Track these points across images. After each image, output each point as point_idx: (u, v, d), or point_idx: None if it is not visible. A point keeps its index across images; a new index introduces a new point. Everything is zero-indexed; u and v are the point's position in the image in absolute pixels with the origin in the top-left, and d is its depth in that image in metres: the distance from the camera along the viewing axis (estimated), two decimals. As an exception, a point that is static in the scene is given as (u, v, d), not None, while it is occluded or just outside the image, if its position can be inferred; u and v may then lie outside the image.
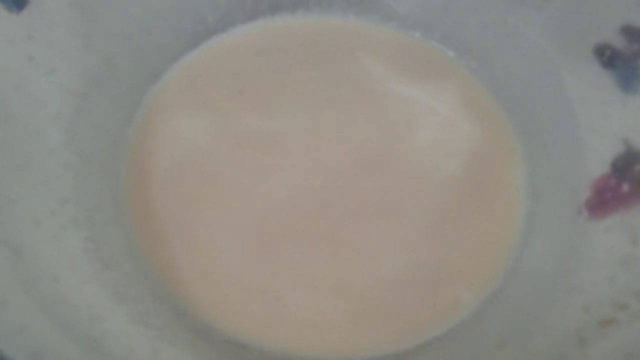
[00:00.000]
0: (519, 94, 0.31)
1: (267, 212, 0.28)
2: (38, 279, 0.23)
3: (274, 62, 0.33)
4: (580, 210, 0.27)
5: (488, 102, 0.32)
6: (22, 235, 0.24)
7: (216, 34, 0.33)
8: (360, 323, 0.27)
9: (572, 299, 0.24)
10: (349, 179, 0.29)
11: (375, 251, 0.28)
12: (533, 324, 0.24)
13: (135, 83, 0.31)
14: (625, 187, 0.26)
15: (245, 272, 0.27)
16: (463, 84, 0.32)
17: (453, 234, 0.28)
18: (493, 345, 0.24)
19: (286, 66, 0.33)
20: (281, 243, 0.28)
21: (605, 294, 0.23)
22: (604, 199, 0.26)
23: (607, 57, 0.28)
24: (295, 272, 0.27)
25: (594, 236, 0.26)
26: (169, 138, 0.30)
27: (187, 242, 0.28)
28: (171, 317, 0.26)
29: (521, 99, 0.31)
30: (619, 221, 0.25)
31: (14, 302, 0.22)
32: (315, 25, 0.34)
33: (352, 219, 0.28)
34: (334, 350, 0.26)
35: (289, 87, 0.32)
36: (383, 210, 0.29)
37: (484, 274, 0.27)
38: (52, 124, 0.27)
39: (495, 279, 0.27)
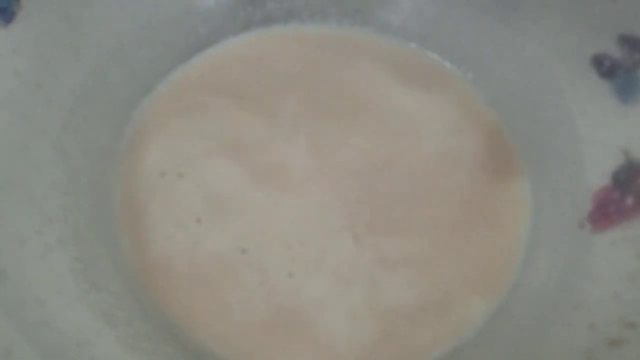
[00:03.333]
0: (518, 105, 0.31)
1: (265, 228, 0.28)
2: (23, 303, 0.22)
3: (268, 74, 0.32)
4: (582, 223, 0.26)
5: (487, 114, 0.31)
6: (6, 256, 0.23)
7: (208, 46, 0.33)
8: (365, 344, 0.26)
9: (578, 317, 0.23)
10: (350, 194, 0.29)
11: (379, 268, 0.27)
12: (539, 343, 0.23)
13: (125, 97, 0.30)
14: (629, 200, 0.25)
15: (241, 291, 0.26)
16: (461, 96, 0.32)
17: (455, 250, 0.27)
18: (497, 365, 0.23)
19: (280, 79, 0.32)
20: (279, 257, 0.27)
21: (612, 312, 0.22)
22: (607, 212, 0.26)
23: (607, 67, 0.28)
24: (293, 291, 0.26)
25: (598, 250, 0.25)
26: (161, 153, 0.30)
27: (181, 261, 0.27)
28: (163, 339, 0.25)
29: (520, 110, 0.31)
30: (623, 235, 0.25)
31: (-1, 327, 0.21)
32: (309, 37, 0.33)
33: (354, 234, 0.28)
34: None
35: (283, 100, 0.31)
36: (384, 226, 0.28)
37: (487, 290, 0.27)
38: (39, 140, 0.26)
39: (498, 295, 0.26)
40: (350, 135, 0.30)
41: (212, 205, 0.28)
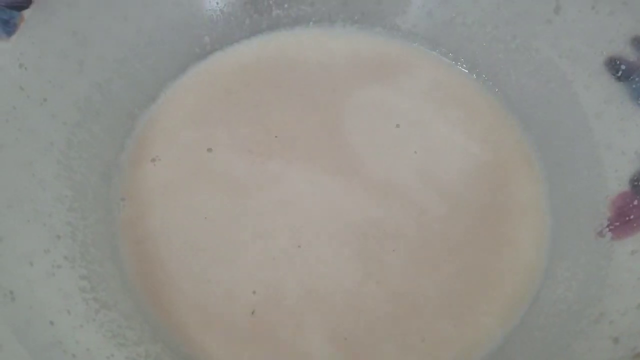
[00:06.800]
0: (533, 110, 0.30)
1: (270, 244, 0.27)
2: (32, 323, 0.22)
3: (275, 82, 0.32)
4: (602, 231, 0.26)
5: (502, 120, 0.31)
6: (14, 276, 0.22)
7: (213, 54, 0.32)
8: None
9: (601, 329, 0.22)
10: (361, 207, 0.28)
11: (394, 280, 0.26)
12: (559, 357, 0.23)
13: (129, 109, 0.30)
14: (650, 207, 0.25)
15: (249, 311, 0.26)
16: (474, 101, 0.31)
17: (471, 263, 0.27)
18: (518, 379, 0.23)
19: (287, 87, 0.31)
20: (288, 280, 0.26)
21: (636, 323, 0.22)
22: (627, 220, 0.25)
23: (622, 70, 0.27)
24: (306, 316, 0.26)
25: (620, 260, 0.24)
26: (165, 166, 0.29)
27: (188, 277, 0.26)
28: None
29: (535, 115, 0.30)
30: (646, 243, 0.24)
31: (7, 349, 0.20)
32: (314, 43, 0.33)
33: (367, 246, 0.27)
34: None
35: (290, 109, 0.31)
36: (399, 238, 0.27)
37: (506, 303, 0.26)
38: (44, 156, 0.26)
39: (518, 310, 0.26)
40: (355, 135, 0.30)
41: (218, 218, 0.28)
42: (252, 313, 0.26)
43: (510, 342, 0.25)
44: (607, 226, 0.26)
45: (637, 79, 0.27)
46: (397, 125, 0.30)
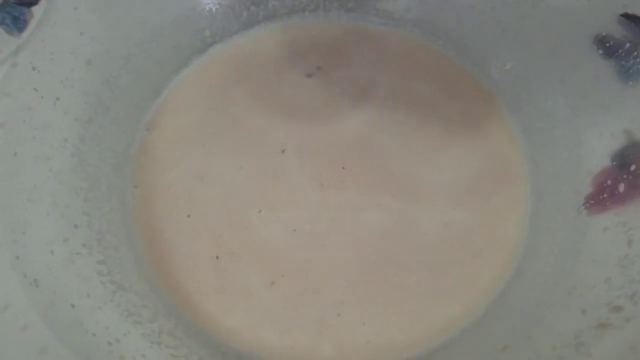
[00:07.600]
0: (519, 90, 0.31)
1: (275, 234, 0.29)
2: (55, 307, 0.24)
3: (273, 71, 0.33)
4: (580, 208, 0.27)
5: (489, 99, 0.32)
6: (39, 265, 0.24)
7: (213, 47, 0.34)
8: (362, 322, 0.27)
9: (572, 302, 0.24)
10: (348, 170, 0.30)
11: (382, 251, 0.28)
12: (535, 327, 0.24)
13: (137, 102, 0.32)
14: (623, 185, 0.26)
15: (256, 288, 0.28)
16: (463, 82, 0.32)
17: (459, 234, 0.28)
18: (497, 348, 0.25)
19: (284, 74, 0.33)
20: (288, 262, 0.28)
21: (602, 297, 0.23)
22: (602, 197, 0.26)
23: (608, 47, 0.28)
24: (304, 297, 0.28)
25: (593, 235, 0.26)
26: (173, 155, 0.31)
27: (197, 260, 0.28)
28: (185, 334, 0.26)
29: (522, 95, 0.31)
30: (615, 221, 0.25)
31: (34, 330, 0.23)
32: (311, 33, 0.34)
33: (355, 215, 0.29)
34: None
35: (294, 99, 0.32)
36: (387, 215, 0.29)
37: (490, 277, 0.27)
38: (60, 151, 0.28)
39: (500, 285, 0.27)
40: (339, 134, 0.31)
41: (225, 202, 0.29)
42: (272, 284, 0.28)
43: (492, 314, 0.27)
44: (586, 204, 0.27)
45: (624, 56, 0.28)
46: (386, 105, 0.31)
